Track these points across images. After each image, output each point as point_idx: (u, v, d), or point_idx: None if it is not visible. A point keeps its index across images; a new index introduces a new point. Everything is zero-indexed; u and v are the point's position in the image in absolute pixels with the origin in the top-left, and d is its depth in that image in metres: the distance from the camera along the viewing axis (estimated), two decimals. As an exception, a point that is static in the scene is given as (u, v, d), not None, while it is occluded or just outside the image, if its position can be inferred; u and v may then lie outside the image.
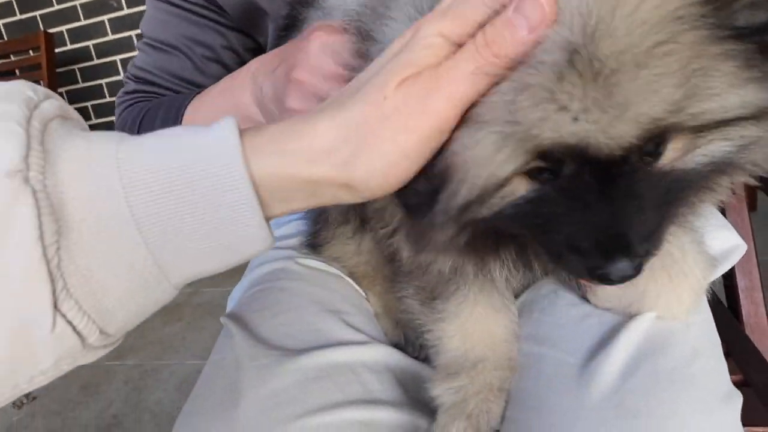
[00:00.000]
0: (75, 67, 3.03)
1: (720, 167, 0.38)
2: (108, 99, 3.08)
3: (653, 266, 0.48)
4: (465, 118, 0.35)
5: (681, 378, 0.47)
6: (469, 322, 0.57)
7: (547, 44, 0.32)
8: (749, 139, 0.36)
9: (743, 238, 0.76)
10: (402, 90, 0.35)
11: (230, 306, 0.79)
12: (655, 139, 0.34)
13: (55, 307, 0.31)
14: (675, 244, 0.50)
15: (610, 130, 0.32)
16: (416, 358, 0.67)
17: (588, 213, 0.35)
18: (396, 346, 0.67)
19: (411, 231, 0.45)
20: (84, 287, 0.32)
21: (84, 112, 3.14)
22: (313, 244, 0.77)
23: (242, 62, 0.80)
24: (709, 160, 0.37)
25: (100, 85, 3.05)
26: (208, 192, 0.34)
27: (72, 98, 3.17)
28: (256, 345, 0.61)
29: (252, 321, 0.65)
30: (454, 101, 0.34)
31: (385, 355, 0.64)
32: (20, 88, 0.35)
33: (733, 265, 0.71)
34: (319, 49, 0.53)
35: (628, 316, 0.52)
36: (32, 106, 0.34)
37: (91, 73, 3.04)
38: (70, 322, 0.32)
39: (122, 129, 0.81)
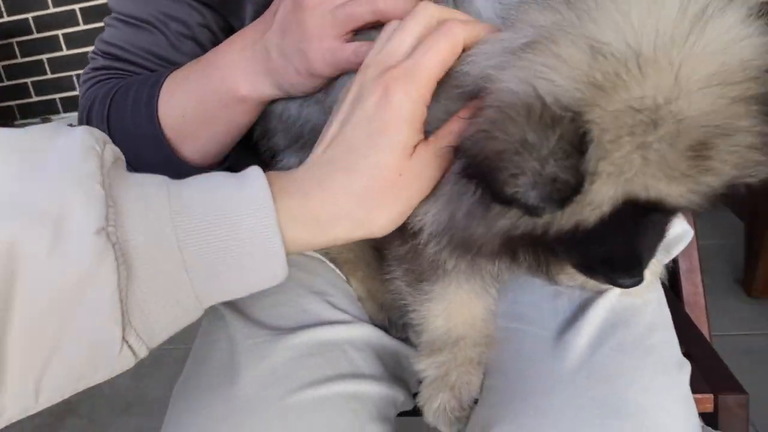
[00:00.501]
0: (13, 40, 2.87)
1: None
2: (50, 76, 2.93)
3: None
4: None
5: (642, 348, 0.53)
6: (453, 303, 0.61)
7: (637, 121, 0.36)
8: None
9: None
10: (414, 161, 0.44)
11: None
12: None
13: (123, 337, 0.38)
14: None
15: (687, 196, 0.38)
16: (398, 338, 0.71)
17: (627, 241, 0.42)
18: (380, 327, 0.71)
19: (457, 239, 0.47)
20: (141, 319, 0.39)
21: (23, 90, 2.98)
22: None
23: (217, 42, 0.79)
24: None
25: (41, 60, 2.90)
26: (246, 250, 0.41)
27: (10, 74, 3.00)
28: (249, 325, 0.63)
29: (241, 303, 0.67)
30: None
31: (367, 334, 0.67)
32: (89, 142, 0.41)
33: (682, 249, 0.79)
34: None
35: (595, 294, 0.58)
36: (101, 161, 0.40)
37: (30, 48, 2.88)
38: (131, 347, 0.39)
39: (90, 106, 0.78)
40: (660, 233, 0.44)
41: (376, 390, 0.62)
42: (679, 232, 0.72)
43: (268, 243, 0.41)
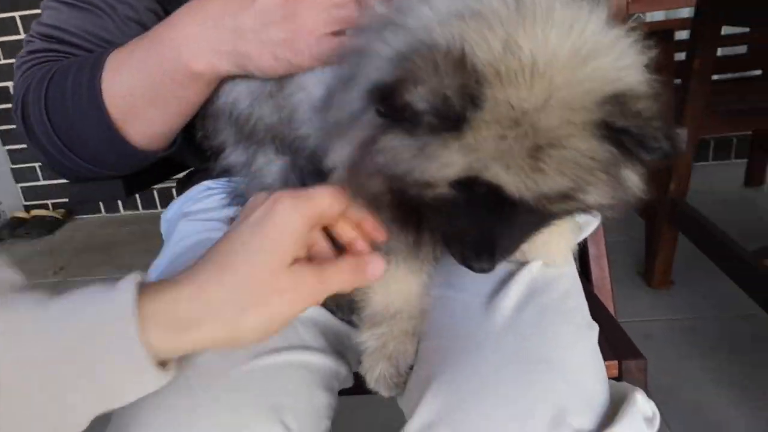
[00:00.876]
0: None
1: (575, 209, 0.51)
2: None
3: None
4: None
5: (560, 311, 0.61)
6: (391, 280, 0.66)
7: (504, 114, 0.43)
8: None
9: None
10: (291, 274, 0.46)
11: (153, 279, 0.80)
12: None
13: None
14: None
15: (526, 189, 0.44)
16: (343, 320, 0.75)
17: (479, 223, 0.48)
18: (328, 310, 0.74)
19: (352, 172, 0.52)
20: None
21: None
22: None
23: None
24: (560, 209, 0.49)
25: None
26: (111, 366, 0.42)
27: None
28: None
29: None
30: (334, 284, 0.49)
31: (313, 313, 0.71)
32: None
33: (590, 233, 0.89)
34: None
35: (520, 266, 0.65)
36: None
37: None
38: None
39: (26, 89, 0.76)
40: (518, 230, 0.49)
41: (322, 362, 0.66)
42: (588, 218, 0.81)
43: (131, 355, 0.41)
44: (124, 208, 3.45)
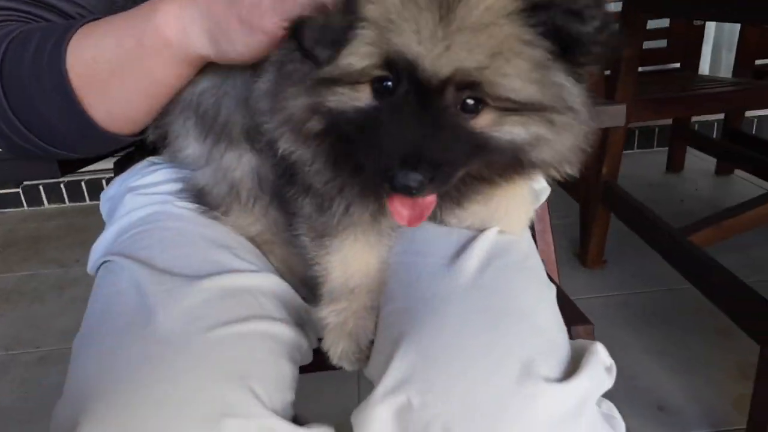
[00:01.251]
0: None
1: (518, 153, 0.51)
2: None
3: (500, 195, 0.65)
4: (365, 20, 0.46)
5: (521, 268, 0.63)
6: (350, 255, 0.66)
7: None
8: (539, 136, 0.49)
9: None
10: None
11: (95, 258, 0.76)
12: (469, 94, 0.47)
13: None
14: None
15: (436, 61, 0.44)
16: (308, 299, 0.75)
17: (403, 129, 0.46)
18: (294, 288, 0.74)
19: (281, 115, 0.53)
20: None
21: None
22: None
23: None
24: (510, 139, 0.49)
25: None
26: None
27: None
28: (156, 273, 0.62)
29: (142, 256, 0.66)
30: None
31: (273, 283, 0.70)
32: None
33: (544, 200, 0.92)
34: None
35: (479, 232, 0.67)
36: None
37: None
38: None
39: None
40: (444, 142, 0.46)
41: (285, 332, 0.65)
42: (542, 186, 0.85)
43: None
44: (49, 201, 3.24)
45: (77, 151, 0.74)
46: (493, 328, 0.54)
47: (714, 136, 3.21)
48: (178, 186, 0.78)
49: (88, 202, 3.25)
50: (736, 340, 1.57)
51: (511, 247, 0.66)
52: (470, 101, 0.47)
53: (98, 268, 0.73)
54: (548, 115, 0.49)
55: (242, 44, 0.59)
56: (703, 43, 3.21)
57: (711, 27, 3.20)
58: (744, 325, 1.32)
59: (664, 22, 2.77)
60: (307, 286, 0.77)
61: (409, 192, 0.45)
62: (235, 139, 0.70)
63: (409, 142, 0.45)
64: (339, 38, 0.46)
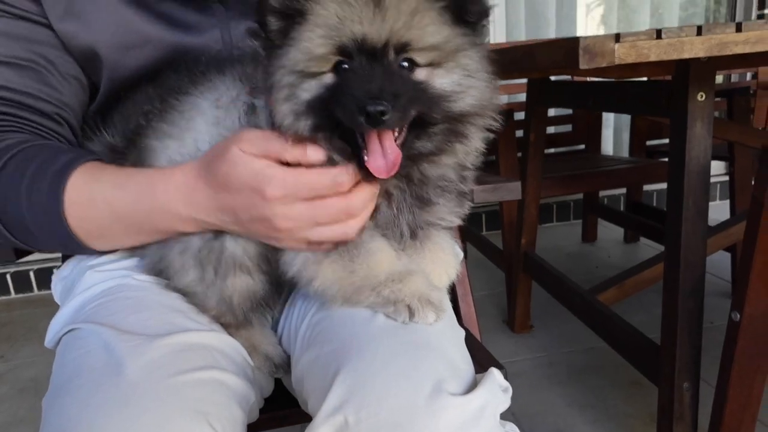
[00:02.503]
0: None
1: (449, 102, 0.66)
2: None
3: (426, 254, 0.79)
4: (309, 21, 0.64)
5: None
6: (381, 246, 0.75)
7: None
8: (460, 83, 0.66)
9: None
10: None
11: (56, 330, 0.81)
12: (403, 54, 0.64)
13: None
14: (441, 238, 0.81)
15: (377, 32, 0.62)
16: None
17: (366, 83, 0.62)
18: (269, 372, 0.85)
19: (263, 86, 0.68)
20: None
21: None
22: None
23: (93, 87, 0.85)
24: (440, 88, 0.66)
25: None
26: None
27: None
28: (121, 333, 0.70)
29: (107, 322, 0.73)
30: None
31: (223, 341, 0.79)
32: None
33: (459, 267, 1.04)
34: (281, 193, 0.68)
35: None
36: None
37: None
38: None
39: None
40: (402, 81, 0.63)
41: (237, 382, 0.73)
42: (459, 251, 0.98)
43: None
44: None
45: (46, 251, 0.85)
46: (413, 358, 0.65)
47: (621, 208, 3.56)
48: (134, 261, 0.86)
49: (36, 291, 3.14)
50: (646, 388, 1.74)
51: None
52: (405, 63, 0.65)
53: (58, 341, 0.79)
54: (462, 61, 0.66)
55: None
56: (606, 127, 3.66)
57: (610, 113, 3.64)
58: (644, 371, 1.49)
59: (568, 110, 3.15)
60: (270, 361, 0.86)
61: (380, 117, 0.59)
62: (241, 266, 0.79)
63: (371, 87, 0.61)
64: (289, 12, 0.64)
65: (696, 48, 0.96)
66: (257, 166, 0.67)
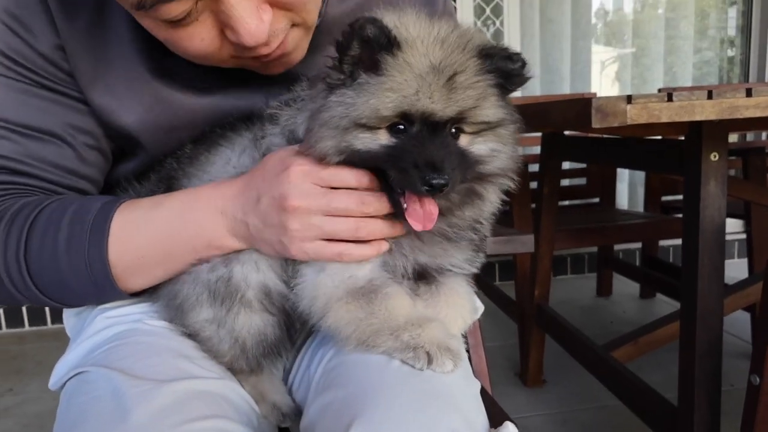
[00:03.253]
0: None
1: (483, 164, 0.72)
2: None
3: (442, 298, 0.80)
4: (383, 81, 0.67)
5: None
6: (398, 294, 0.76)
7: (422, 66, 0.66)
8: (494, 149, 0.72)
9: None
10: None
11: (62, 373, 0.81)
12: (456, 125, 0.69)
13: None
14: (458, 283, 0.82)
15: (446, 110, 0.67)
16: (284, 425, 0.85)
17: (425, 150, 0.66)
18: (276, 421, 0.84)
19: (314, 136, 0.71)
20: None
21: None
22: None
23: (117, 152, 0.85)
24: (478, 153, 0.72)
25: None
26: None
27: None
28: (130, 378, 0.70)
29: (118, 366, 0.73)
30: None
31: (230, 389, 0.79)
32: None
33: (478, 318, 1.04)
34: (301, 176, 0.71)
35: None
36: None
37: None
38: None
39: None
40: (453, 151, 0.67)
41: (242, 430, 0.73)
42: (478, 305, 0.98)
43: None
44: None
45: (77, 306, 0.87)
46: (430, 411, 0.65)
47: (637, 263, 3.53)
48: (145, 307, 0.87)
49: (26, 327, 3.16)
50: (663, 451, 1.68)
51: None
52: (454, 130, 0.70)
53: (63, 384, 0.80)
54: (499, 131, 0.72)
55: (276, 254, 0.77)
56: (620, 180, 3.68)
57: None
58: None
59: (582, 164, 3.18)
60: (277, 410, 0.86)
61: (441, 189, 0.64)
62: (247, 301, 0.80)
63: (434, 157, 0.65)
64: (376, 47, 0.67)
65: (707, 111, 0.99)
66: (284, 153, 0.74)
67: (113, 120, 0.82)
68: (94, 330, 0.86)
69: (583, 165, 3.16)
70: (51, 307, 0.84)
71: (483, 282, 2.92)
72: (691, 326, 1.32)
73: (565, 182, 3.30)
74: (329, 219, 0.72)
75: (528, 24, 3.55)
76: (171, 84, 0.83)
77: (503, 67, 0.70)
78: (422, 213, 0.69)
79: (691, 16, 3.80)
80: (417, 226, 0.69)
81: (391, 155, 0.68)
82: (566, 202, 3.27)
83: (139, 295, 0.85)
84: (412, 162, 0.66)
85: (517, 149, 0.75)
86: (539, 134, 2.40)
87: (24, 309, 3.15)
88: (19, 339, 3.03)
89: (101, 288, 0.78)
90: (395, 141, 0.68)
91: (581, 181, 3.17)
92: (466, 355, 0.83)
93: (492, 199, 0.77)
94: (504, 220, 2.39)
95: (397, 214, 0.72)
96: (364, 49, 0.67)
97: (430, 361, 0.70)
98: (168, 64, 0.81)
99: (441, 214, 0.72)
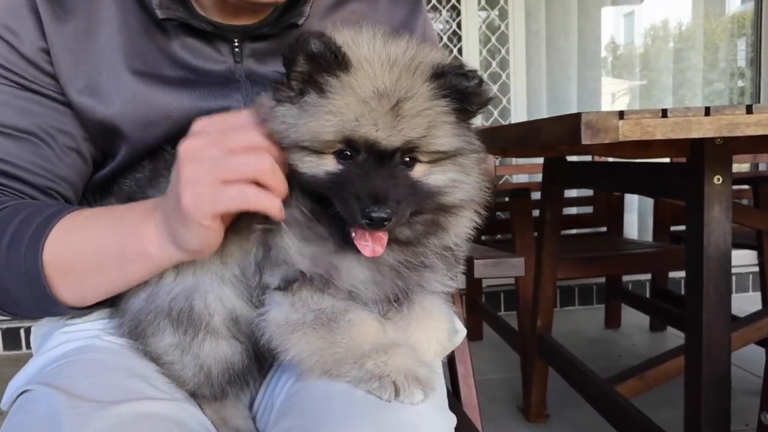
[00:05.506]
0: None
1: (442, 196, 0.68)
2: None
3: (413, 320, 0.74)
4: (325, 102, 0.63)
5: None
6: (365, 318, 0.72)
7: (365, 90, 0.62)
8: (454, 179, 0.68)
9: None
10: None
11: (12, 391, 0.77)
12: (408, 154, 0.65)
13: None
14: (432, 303, 0.76)
15: (391, 138, 0.62)
16: None
17: (368, 181, 0.62)
18: None
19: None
20: None
21: None
22: None
23: (97, 156, 0.84)
24: (435, 184, 0.67)
25: None
26: None
27: None
28: (71, 398, 0.65)
29: (62, 385, 0.69)
30: None
31: (185, 413, 0.74)
32: None
33: (459, 342, 0.98)
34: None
35: None
36: None
37: None
38: None
39: None
40: (401, 184, 0.63)
41: None
42: (460, 327, 0.92)
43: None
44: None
45: (30, 317, 0.79)
46: None
47: (646, 294, 3.42)
48: (104, 322, 0.83)
49: (24, 350, 3.13)
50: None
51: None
52: (407, 159, 0.66)
53: (13, 401, 0.75)
54: (459, 160, 0.68)
55: (193, 239, 0.67)
56: (630, 210, 3.61)
57: (635, 196, 3.60)
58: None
59: (589, 192, 3.12)
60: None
61: (382, 223, 0.60)
62: (214, 329, 0.75)
63: (377, 190, 0.61)
64: (322, 63, 0.63)
65: (704, 128, 0.94)
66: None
67: (95, 115, 0.82)
68: (50, 345, 0.83)
69: (590, 193, 3.11)
70: (8, 315, 0.80)
71: (486, 311, 2.85)
72: (697, 360, 1.25)
73: (571, 211, 3.24)
74: (227, 154, 0.65)
75: (534, 53, 3.55)
76: (150, 83, 0.83)
77: (458, 86, 0.65)
78: (370, 238, 0.65)
79: (700, 48, 3.78)
80: (366, 252, 0.65)
81: (334, 182, 0.64)
82: (572, 231, 3.20)
83: (96, 308, 0.80)
84: (353, 192, 0.62)
85: (482, 179, 0.71)
86: (541, 161, 2.35)
87: (22, 332, 3.12)
88: (14, 361, 2.99)
89: (35, 290, 0.72)
90: (341, 168, 0.64)
91: (588, 209, 3.10)
92: (442, 384, 0.77)
93: (457, 232, 0.73)
94: (506, 249, 2.33)
95: (346, 242, 0.67)
96: (310, 65, 0.64)
97: (397, 392, 0.65)
98: (150, 67, 0.84)
99: (407, 243, 0.69)
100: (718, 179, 1.22)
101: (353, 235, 0.66)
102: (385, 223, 0.60)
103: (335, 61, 0.63)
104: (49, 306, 0.74)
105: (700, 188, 1.23)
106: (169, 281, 0.76)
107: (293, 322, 0.69)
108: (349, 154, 0.64)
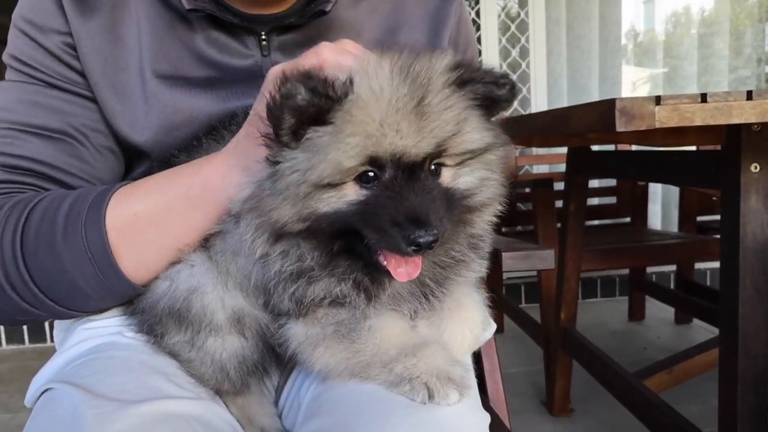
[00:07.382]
0: None
1: (471, 197, 0.64)
2: None
3: (445, 313, 0.72)
4: (338, 129, 0.56)
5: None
6: (390, 324, 0.69)
7: (383, 93, 0.56)
8: (483, 177, 0.64)
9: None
10: None
11: (35, 388, 0.75)
12: (436, 159, 0.60)
13: None
14: (463, 293, 0.73)
15: (420, 144, 0.57)
16: None
17: (402, 202, 0.56)
18: None
19: (261, 207, 0.60)
20: None
21: None
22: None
23: (129, 157, 0.83)
24: (465, 187, 0.63)
25: None
26: None
27: None
28: (94, 398, 0.64)
29: (84, 383, 0.68)
30: None
31: (208, 411, 0.72)
32: None
33: (490, 336, 0.95)
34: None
35: None
36: None
37: None
38: None
39: None
40: (436, 198, 0.58)
41: None
42: (490, 322, 0.89)
43: None
44: (7, 341, 3.15)
45: (83, 309, 0.77)
46: None
47: (671, 286, 3.35)
48: (124, 318, 0.81)
49: (49, 342, 3.17)
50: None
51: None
52: (433, 167, 0.60)
53: (37, 399, 0.74)
54: (487, 157, 0.64)
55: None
56: (653, 200, 3.53)
57: (658, 186, 3.52)
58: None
59: (612, 181, 3.05)
60: None
61: (430, 246, 0.55)
62: (217, 326, 0.73)
63: (416, 210, 0.55)
64: (314, 111, 0.56)
65: (746, 113, 0.89)
66: None
67: (124, 138, 0.82)
68: (71, 342, 0.81)
69: (613, 183, 3.04)
70: (56, 316, 0.78)
71: (507, 304, 2.81)
72: (733, 355, 1.20)
73: (594, 201, 3.18)
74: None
75: (554, 41, 3.47)
76: (175, 86, 0.82)
77: (488, 94, 0.61)
78: (404, 262, 0.61)
79: (724, 34, 3.66)
80: (402, 278, 0.61)
81: (363, 212, 0.58)
82: (595, 222, 3.14)
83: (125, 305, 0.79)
84: (389, 219, 0.56)
85: (503, 176, 0.68)
86: (562, 151, 2.30)
87: (46, 324, 3.16)
88: (42, 354, 3.03)
89: (100, 265, 0.70)
90: (366, 194, 0.58)
91: (611, 200, 3.04)
92: (474, 382, 0.74)
93: (482, 225, 0.70)
94: (527, 240, 2.29)
95: (377, 270, 0.63)
96: (300, 117, 0.57)
97: (431, 395, 0.62)
98: (175, 67, 0.82)
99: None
100: (756, 167, 1.17)
101: (384, 262, 0.61)
102: (433, 245, 0.55)
103: (330, 100, 0.56)
104: (112, 282, 0.72)
105: (737, 177, 1.17)
106: (169, 283, 0.74)
107: (313, 336, 0.67)
108: (372, 175, 0.58)
